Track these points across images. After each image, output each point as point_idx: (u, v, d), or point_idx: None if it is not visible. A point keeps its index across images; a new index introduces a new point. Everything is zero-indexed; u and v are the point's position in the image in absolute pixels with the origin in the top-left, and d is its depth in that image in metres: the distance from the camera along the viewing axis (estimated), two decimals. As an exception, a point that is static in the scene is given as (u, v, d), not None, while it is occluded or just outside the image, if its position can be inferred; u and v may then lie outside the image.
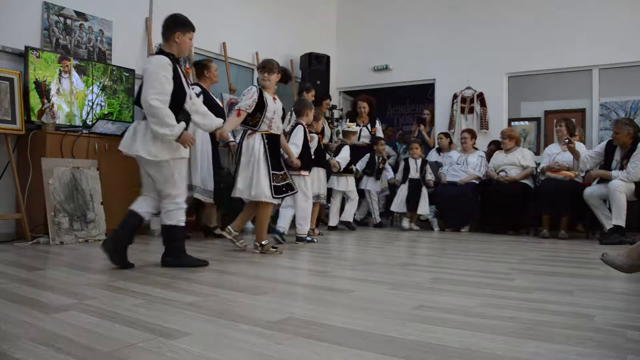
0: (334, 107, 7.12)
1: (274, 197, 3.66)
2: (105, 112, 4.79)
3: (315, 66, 7.15)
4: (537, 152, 6.50)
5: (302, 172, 4.34)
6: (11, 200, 4.25)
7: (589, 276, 2.96)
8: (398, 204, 5.94)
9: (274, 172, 3.67)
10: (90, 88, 4.69)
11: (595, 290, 2.52)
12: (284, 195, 3.80)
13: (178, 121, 2.89)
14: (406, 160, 6.03)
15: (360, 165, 6.09)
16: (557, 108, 6.70)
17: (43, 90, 4.26)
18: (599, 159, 5.05)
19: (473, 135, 6.30)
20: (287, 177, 3.79)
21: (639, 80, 6.19)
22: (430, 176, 6.00)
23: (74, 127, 4.49)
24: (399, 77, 7.72)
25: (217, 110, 4.54)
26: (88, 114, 4.67)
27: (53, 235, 3.96)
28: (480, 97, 7.04)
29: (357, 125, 6.29)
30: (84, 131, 4.40)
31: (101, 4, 4.97)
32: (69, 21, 4.71)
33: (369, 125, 6.47)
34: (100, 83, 4.75)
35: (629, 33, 6.14)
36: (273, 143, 3.74)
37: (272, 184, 3.64)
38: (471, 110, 7.09)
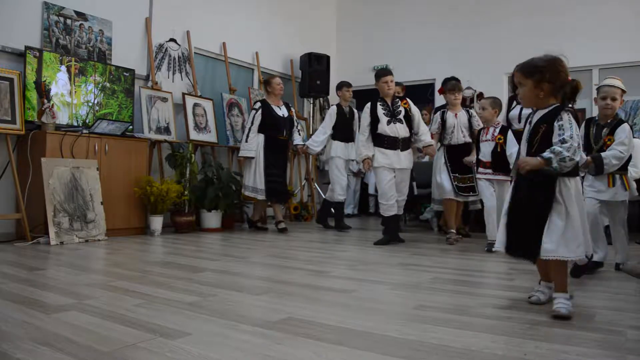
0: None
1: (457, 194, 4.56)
2: (104, 112, 4.79)
3: (315, 66, 7.15)
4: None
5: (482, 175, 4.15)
6: (11, 200, 4.25)
7: (589, 276, 2.96)
8: None
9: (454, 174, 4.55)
10: (90, 88, 4.69)
11: (595, 290, 2.52)
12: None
13: (380, 141, 4.30)
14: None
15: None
16: (557, 108, 6.69)
17: (43, 90, 4.26)
18: None
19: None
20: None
21: (639, 80, 6.19)
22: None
23: (74, 127, 4.49)
24: (399, 77, 7.65)
25: (276, 121, 5.26)
26: (88, 114, 4.67)
27: (53, 235, 3.96)
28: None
29: None
30: (84, 131, 4.40)
31: (101, 4, 4.97)
32: (68, 21, 4.70)
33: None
34: (99, 83, 4.75)
35: (629, 33, 6.14)
36: (453, 152, 4.57)
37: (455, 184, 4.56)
38: (471, 110, 7.09)
